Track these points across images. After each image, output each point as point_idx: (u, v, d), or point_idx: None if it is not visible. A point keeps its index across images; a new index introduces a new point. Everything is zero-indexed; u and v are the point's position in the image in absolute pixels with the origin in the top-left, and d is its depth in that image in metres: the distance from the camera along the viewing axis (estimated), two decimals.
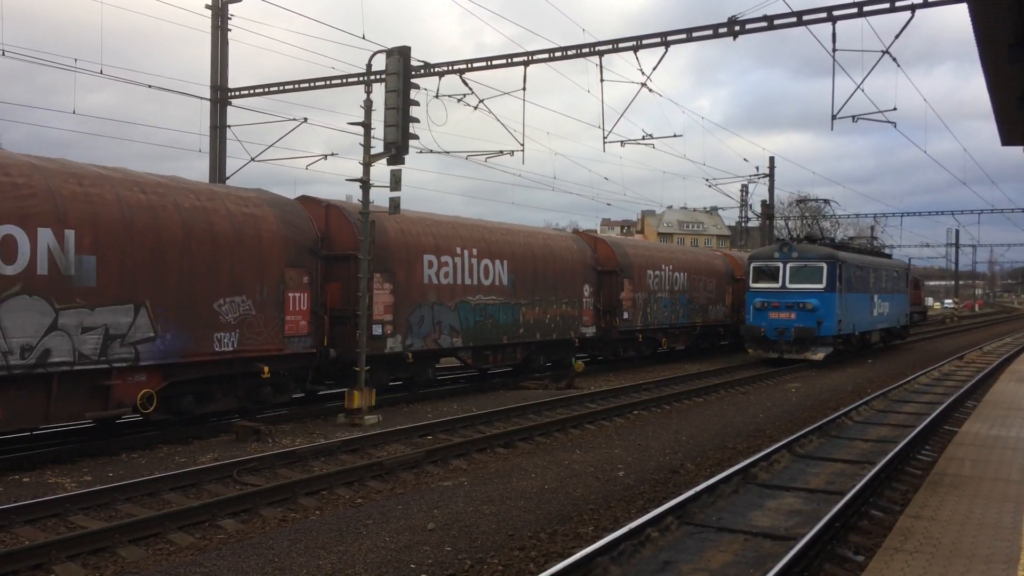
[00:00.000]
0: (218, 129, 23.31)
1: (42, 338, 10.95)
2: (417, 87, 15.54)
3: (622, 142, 22.76)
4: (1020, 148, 14.92)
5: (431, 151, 21.86)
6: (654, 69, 19.36)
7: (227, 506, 9.28)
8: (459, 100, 20.96)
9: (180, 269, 12.80)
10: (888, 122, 19.20)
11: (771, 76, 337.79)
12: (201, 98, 23.09)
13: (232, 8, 22.94)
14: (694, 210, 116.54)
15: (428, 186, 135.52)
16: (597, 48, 19.51)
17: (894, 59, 17.37)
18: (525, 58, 20.10)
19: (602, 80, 19.87)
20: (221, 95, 23.29)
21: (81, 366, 11.43)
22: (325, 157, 22.39)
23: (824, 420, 15.21)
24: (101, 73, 19.68)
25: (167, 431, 13.35)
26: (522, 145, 21.26)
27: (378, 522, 8.93)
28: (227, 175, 23.58)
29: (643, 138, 23.04)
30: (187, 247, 12.91)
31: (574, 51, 19.79)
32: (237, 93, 23.58)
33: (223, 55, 23.10)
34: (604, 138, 20.83)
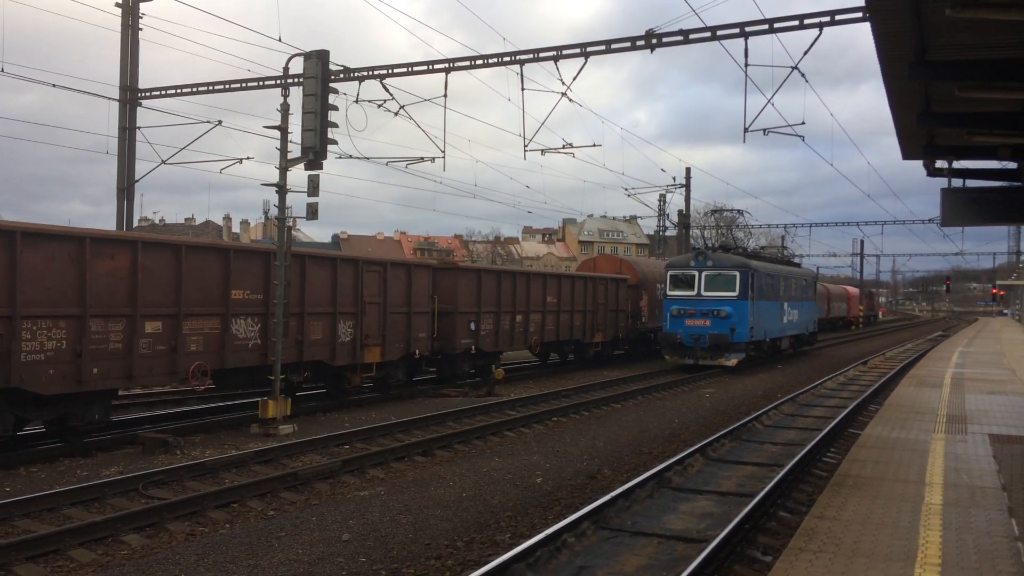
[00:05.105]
0: (127, 131, 22.57)
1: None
2: (336, 92, 15.34)
3: (542, 151, 23.04)
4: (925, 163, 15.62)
5: (351, 156, 21.65)
6: (574, 79, 19.68)
7: (131, 520, 8.95)
8: (379, 106, 20.82)
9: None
10: (797, 135, 19.95)
11: (707, 91, 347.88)
12: (109, 98, 22.34)
13: (147, 8, 22.31)
14: (614, 219, 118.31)
15: (360, 194, 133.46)
16: (518, 57, 19.66)
17: (803, 75, 18.02)
18: (446, 65, 20.11)
19: (523, 89, 20.04)
20: (131, 95, 22.56)
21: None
22: (240, 161, 21.95)
23: (736, 424, 15.59)
24: (3, 71, 18.90)
25: (69, 444, 12.81)
26: (443, 152, 21.25)
27: (291, 534, 8.74)
28: (136, 178, 22.84)
29: (563, 147, 23.35)
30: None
31: (495, 59, 19.91)
32: (148, 94, 22.90)
33: (133, 55, 22.41)
34: (525, 146, 21.02)
